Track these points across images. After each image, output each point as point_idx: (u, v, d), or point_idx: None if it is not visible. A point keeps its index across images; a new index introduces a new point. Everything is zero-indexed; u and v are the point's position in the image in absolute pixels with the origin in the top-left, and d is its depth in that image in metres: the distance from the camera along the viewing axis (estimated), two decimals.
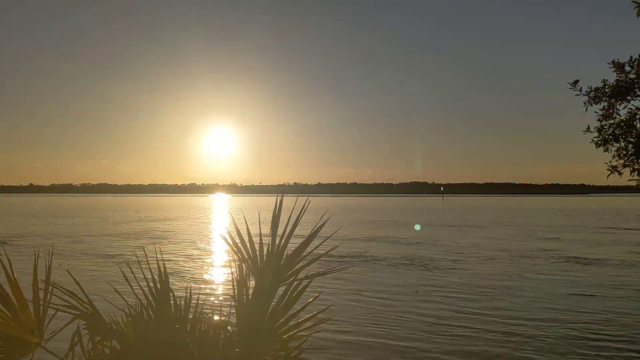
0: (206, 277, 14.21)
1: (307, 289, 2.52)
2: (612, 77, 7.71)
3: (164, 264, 2.55)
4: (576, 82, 8.03)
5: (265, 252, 2.56)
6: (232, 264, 2.63)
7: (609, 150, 7.82)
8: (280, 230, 2.58)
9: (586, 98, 8.00)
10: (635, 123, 7.61)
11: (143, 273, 2.60)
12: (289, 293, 2.51)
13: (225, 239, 2.64)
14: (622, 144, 7.70)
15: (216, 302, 10.47)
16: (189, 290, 2.63)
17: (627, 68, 7.51)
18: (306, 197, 2.92)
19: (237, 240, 2.59)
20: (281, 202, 2.59)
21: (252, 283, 2.55)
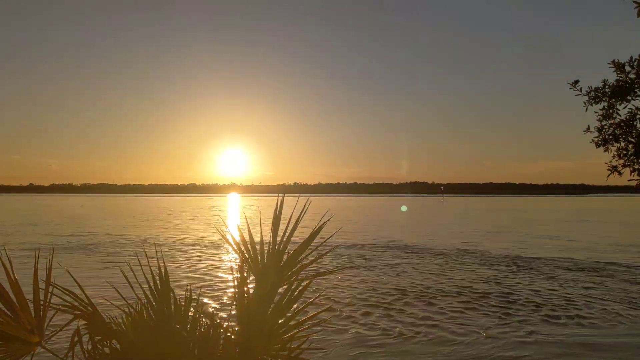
0: (207, 276, 14.21)
1: (308, 289, 2.52)
2: (612, 77, 7.71)
3: (164, 264, 2.55)
4: (576, 82, 8.03)
5: (266, 251, 2.57)
6: (233, 263, 2.64)
7: (609, 150, 7.82)
8: (281, 230, 2.58)
9: (586, 98, 8.00)
10: (635, 123, 7.60)
11: (143, 272, 2.60)
12: (289, 293, 2.51)
13: (226, 238, 2.63)
14: (622, 144, 7.69)
15: (216, 302, 10.47)
16: (189, 290, 2.63)
17: (627, 68, 7.50)
18: (307, 197, 2.92)
19: (238, 240, 2.59)
20: (282, 202, 2.59)
21: (252, 283, 2.55)
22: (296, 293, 2.51)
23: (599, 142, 7.89)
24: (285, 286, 2.53)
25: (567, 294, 11.59)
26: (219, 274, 14.60)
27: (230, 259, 17.25)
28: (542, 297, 11.16)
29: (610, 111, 7.78)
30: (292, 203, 2.69)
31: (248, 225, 2.66)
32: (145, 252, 2.92)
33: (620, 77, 7.56)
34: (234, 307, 2.52)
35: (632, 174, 7.61)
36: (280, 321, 2.48)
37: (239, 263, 2.59)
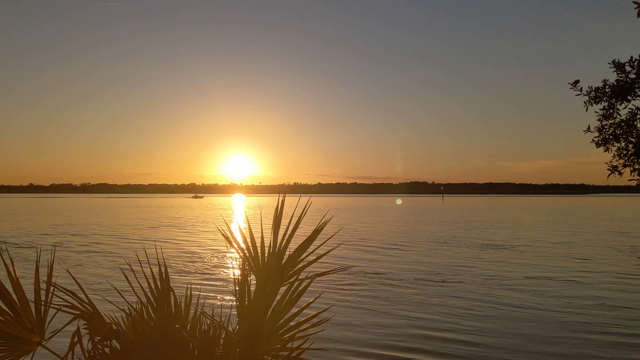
0: (207, 276, 14.20)
1: (308, 289, 2.51)
2: (612, 77, 7.71)
3: (164, 263, 2.55)
4: (576, 82, 8.03)
5: (267, 251, 2.56)
6: (234, 263, 2.64)
7: (610, 150, 7.82)
8: (281, 230, 2.58)
9: (586, 98, 8.00)
10: (635, 123, 7.61)
11: (143, 272, 2.60)
12: (290, 293, 2.51)
13: (227, 238, 2.63)
14: (623, 144, 7.70)
15: (217, 302, 10.47)
16: (189, 290, 2.63)
17: (628, 68, 7.51)
18: (308, 197, 2.92)
19: (239, 239, 2.59)
20: (283, 201, 2.59)
21: (253, 282, 2.55)
22: (297, 293, 2.51)
23: (599, 142, 7.89)
24: (286, 286, 2.53)
25: None
26: (220, 274, 14.59)
27: (231, 258, 17.25)
28: None
29: (611, 111, 7.78)
30: (292, 203, 2.69)
31: (249, 225, 2.66)
32: (145, 251, 2.92)
33: (621, 77, 7.57)
34: (234, 307, 2.52)
35: (633, 174, 7.61)
36: (280, 321, 2.48)
37: (240, 263, 2.58)
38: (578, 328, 8.72)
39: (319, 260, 2.58)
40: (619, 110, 7.75)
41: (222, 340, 2.47)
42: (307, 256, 2.56)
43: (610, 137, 7.73)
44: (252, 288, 2.52)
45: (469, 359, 7.17)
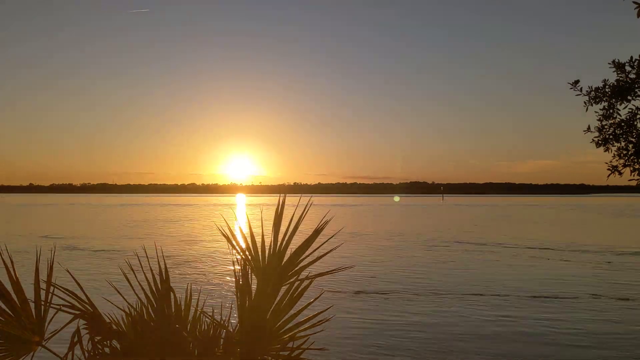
0: (208, 275, 14.21)
1: (309, 289, 2.51)
2: (612, 77, 7.71)
3: (164, 263, 2.54)
4: (576, 82, 8.03)
5: (267, 251, 2.56)
6: (235, 263, 2.63)
7: (610, 150, 7.82)
8: (282, 230, 2.58)
9: (586, 98, 8.00)
10: (635, 123, 7.61)
11: (144, 272, 2.60)
12: (290, 293, 2.50)
13: (228, 238, 2.63)
14: (623, 144, 7.70)
15: (217, 301, 10.47)
16: (189, 290, 2.63)
17: (628, 68, 7.51)
18: (309, 197, 2.91)
19: (240, 239, 2.59)
20: (283, 201, 2.59)
21: (254, 282, 2.55)
22: (297, 293, 2.51)
23: (599, 142, 7.89)
24: (287, 286, 2.53)
25: None
26: (220, 274, 14.60)
27: (232, 258, 17.26)
28: None
29: (611, 111, 7.79)
30: (292, 204, 2.68)
31: (250, 225, 2.66)
32: (145, 251, 2.91)
33: (621, 77, 7.57)
34: (234, 307, 2.52)
35: (633, 173, 7.61)
36: (281, 321, 2.48)
37: (241, 263, 2.58)
38: None
39: (319, 260, 2.57)
40: (619, 110, 7.75)
41: (222, 340, 2.47)
42: (307, 256, 2.56)
43: (610, 137, 7.73)
44: (253, 288, 2.52)
45: None
